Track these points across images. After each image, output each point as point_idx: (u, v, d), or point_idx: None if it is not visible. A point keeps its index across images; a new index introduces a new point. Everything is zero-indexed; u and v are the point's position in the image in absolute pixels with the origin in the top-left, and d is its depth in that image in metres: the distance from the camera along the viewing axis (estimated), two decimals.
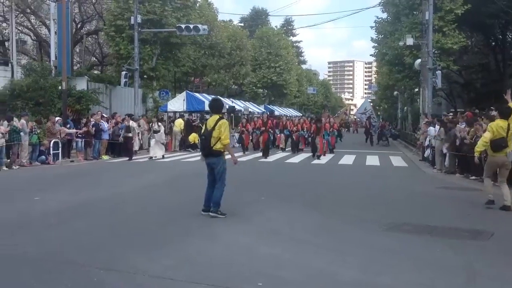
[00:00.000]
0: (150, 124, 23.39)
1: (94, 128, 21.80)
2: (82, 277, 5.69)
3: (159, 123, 23.20)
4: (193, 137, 27.02)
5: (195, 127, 28.42)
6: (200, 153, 9.53)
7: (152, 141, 22.52)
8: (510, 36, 34.84)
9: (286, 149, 27.66)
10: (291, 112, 56.89)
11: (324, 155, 23.53)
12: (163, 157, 22.20)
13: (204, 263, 6.22)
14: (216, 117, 9.01)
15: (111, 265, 6.09)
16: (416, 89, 38.30)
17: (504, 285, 5.70)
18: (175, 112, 30.18)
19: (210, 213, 8.84)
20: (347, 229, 8.32)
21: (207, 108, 28.90)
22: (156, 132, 22.39)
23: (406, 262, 6.36)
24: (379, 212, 9.85)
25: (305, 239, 7.59)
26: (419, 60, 28.22)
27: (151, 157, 21.93)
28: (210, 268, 6.02)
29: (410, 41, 27.22)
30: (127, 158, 21.45)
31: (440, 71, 25.48)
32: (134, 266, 6.04)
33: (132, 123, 22.78)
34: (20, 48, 33.77)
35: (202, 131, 9.17)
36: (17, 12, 31.17)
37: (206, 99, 30.49)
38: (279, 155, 24.52)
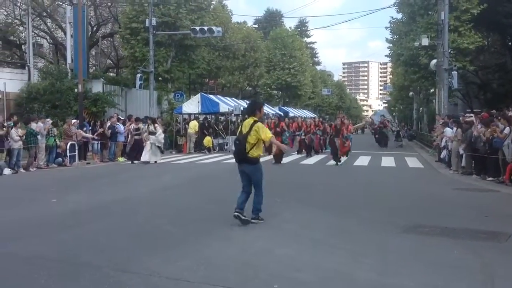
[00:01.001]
0: (147, 125, 21.55)
1: (110, 131, 21.96)
2: (98, 278, 5.72)
3: (156, 125, 21.52)
4: (208, 141, 27.10)
5: (209, 130, 28.53)
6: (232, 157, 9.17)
7: (148, 145, 20.79)
8: None
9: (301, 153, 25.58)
10: (306, 113, 56.76)
11: (347, 155, 22.97)
12: (155, 162, 20.54)
13: (220, 265, 6.22)
14: (251, 120, 8.42)
15: (127, 266, 6.12)
16: (432, 90, 38.09)
17: None
18: (189, 114, 30.28)
19: (252, 220, 8.41)
20: (363, 230, 8.28)
21: (221, 109, 29.11)
22: (152, 134, 20.88)
23: (422, 264, 6.31)
24: (395, 213, 9.79)
25: (321, 240, 7.57)
26: (434, 61, 28.04)
27: (148, 162, 20.45)
28: (226, 269, 6.03)
29: (425, 41, 27.07)
30: (132, 161, 21.17)
31: (456, 72, 25.26)
32: (150, 267, 6.07)
33: (140, 125, 22.29)
34: (36, 51, 34.02)
35: (238, 133, 8.68)
36: (34, 16, 31.44)
37: (220, 101, 30.59)
38: (293, 156, 24.38)
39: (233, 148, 8.74)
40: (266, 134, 8.38)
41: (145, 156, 20.58)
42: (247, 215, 8.44)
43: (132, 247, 7.12)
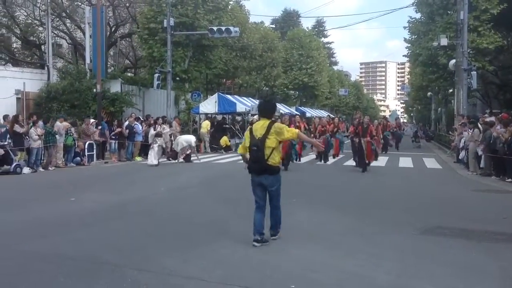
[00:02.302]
0: (155, 126, 20.73)
1: (127, 130, 22.10)
2: (117, 277, 5.78)
3: (164, 125, 21.06)
4: (224, 141, 27.14)
5: (226, 129, 28.59)
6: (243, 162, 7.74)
7: (155, 146, 19.89)
8: None
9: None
10: (323, 113, 56.68)
11: (376, 159, 20.33)
12: (158, 164, 19.67)
13: (236, 265, 6.24)
14: (266, 122, 7.24)
15: (145, 265, 6.17)
16: (451, 90, 37.75)
17: None
18: (206, 114, 30.37)
19: (272, 238, 7.40)
20: (381, 231, 8.23)
21: (238, 109, 29.11)
22: (159, 136, 20.11)
23: (441, 266, 6.26)
24: (413, 215, 9.73)
25: (338, 241, 7.56)
26: (453, 61, 27.81)
27: (156, 164, 19.62)
28: (243, 269, 6.05)
29: (444, 41, 26.86)
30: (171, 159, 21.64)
31: (475, 72, 25.02)
32: (168, 267, 6.11)
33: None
34: (56, 52, 34.36)
35: (249, 139, 7.29)
36: (53, 16, 31.75)
37: (237, 100, 30.60)
38: (310, 156, 24.23)
39: (247, 157, 7.44)
40: (292, 131, 7.45)
41: (153, 159, 19.73)
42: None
43: (149, 246, 7.17)
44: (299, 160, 20.88)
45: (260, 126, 7.27)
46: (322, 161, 21.45)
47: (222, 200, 11.39)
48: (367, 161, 17.99)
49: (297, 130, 7.76)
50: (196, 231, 8.15)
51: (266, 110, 7.48)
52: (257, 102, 33.32)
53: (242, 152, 7.60)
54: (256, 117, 17.12)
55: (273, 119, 7.53)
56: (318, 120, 24.15)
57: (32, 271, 6.01)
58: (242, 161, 7.92)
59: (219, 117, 33.42)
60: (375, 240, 7.67)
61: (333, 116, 40.89)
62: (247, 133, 7.48)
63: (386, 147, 27.57)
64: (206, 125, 27.48)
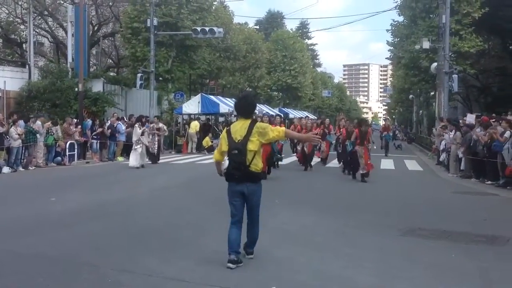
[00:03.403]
0: (142, 124, 19.33)
1: (109, 130, 21.95)
2: (97, 278, 5.73)
3: (160, 123, 20.47)
4: (206, 141, 27.08)
5: (210, 130, 28.53)
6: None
7: (138, 148, 18.67)
8: None
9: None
10: (306, 115, 56.85)
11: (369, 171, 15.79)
12: (143, 166, 18.64)
13: (218, 266, 6.21)
14: (247, 122, 6.22)
15: (126, 266, 6.13)
16: (432, 93, 38.11)
17: None
18: (189, 115, 30.27)
19: (247, 256, 6.52)
20: (362, 233, 8.27)
21: (222, 110, 29.06)
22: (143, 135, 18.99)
23: (422, 268, 6.31)
24: (394, 216, 9.80)
25: (320, 242, 7.57)
26: (435, 64, 28.06)
27: (141, 166, 18.58)
28: (225, 270, 6.02)
29: (426, 44, 27.08)
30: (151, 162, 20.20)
31: (456, 75, 25.26)
32: (149, 267, 6.07)
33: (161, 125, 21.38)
34: (37, 50, 34.09)
35: (226, 143, 6.23)
36: (35, 15, 31.48)
37: (221, 101, 30.58)
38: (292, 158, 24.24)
39: (223, 167, 6.52)
40: (278, 129, 6.40)
41: (135, 160, 18.55)
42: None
43: (130, 247, 7.12)
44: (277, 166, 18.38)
45: (239, 127, 6.20)
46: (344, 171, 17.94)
47: (204, 201, 11.36)
48: (365, 171, 15.43)
49: (283, 128, 6.60)
50: (177, 232, 8.11)
51: (245, 108, 6.41)
52: None
53: (218, 159, 6.53)
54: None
55: (254, 117, 6.57)
56: (297, 121, 23.57)
57: (10, 271, 5.92)
58: (224, 162, 7.01)
59: (202, 117, 33.39)
60: (357, 241, 7.70)
61: (313, 118, 40.62)
62: (223, 135, 6.36)
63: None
64: (194, 125, 27.41)
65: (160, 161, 20.76)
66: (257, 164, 6.19)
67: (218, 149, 6.49)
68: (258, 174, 6.27)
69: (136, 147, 18.73)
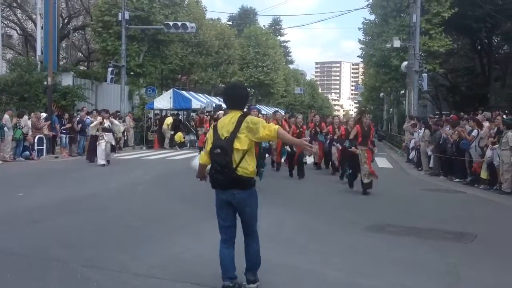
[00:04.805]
0: (100, 120, 17.81)
1: (79, 125, 21.67)
2: (66, 274, 5.66)
3: (112, 119, 18.78)
4: (179, 137, 26.96)
5: (181, 126, 28.39)
6: (193, 156, 5.90)
7: (102, 144, 17.33)
8: (496, 40, 35.24)
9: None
10: (280, 112, 56.96)
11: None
12: (108, 163, 17.47)
13: (189, 262, 6.20)
14: (236, 115, 5.15)
15: (95, 262, 6.06)
16: (402, 91, 38.59)
17: (486, 287, 5.75)
18: (161, 110, 30.07)
19: (249, 286, 5.21)
20: (331, 230, 8.34)
21: (194, 106, 28.88)
22: (106, 131, 17.66)
23: (390, 264, 6.39)
24: (363, 213, 9.89)
25: (290, 239, 7.60)
26: (405, 63, 28.40)
27: (103, 164, 17.23)
28: (196, 267, 6.00)
29: (397, 43, 27.37)
30: (88, 160, 18.36)
31: (426, 74, 25.68)
32: (119, 263, 6.02)
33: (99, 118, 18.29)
34: (5, 42, 33.44)
35: (211, 140, 5.19)
36: (3, 6, 30.87)
37: (193, 97, 30.41)
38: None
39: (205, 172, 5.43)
40: (270, 127, 5.06)
41: (101, 158, 17.33)
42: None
43: (100, 243, 7.05)
44: (278, 169, 16.69)
45: (227, 121, 5.16)
46: (335, 173, 16.08)
47: (175, 196, 11.31)
48: (369, 180, 12.22)
49: (276, 127, 5.11)
50: (148, 228, 8.05)
51: (236, 98, 5.32)
52: (212, 99, 33.21)
53: (202, 161, 5.41)
54: (221, 112, 14.47)
55: (243, 111, 5.32)
56: (272, 116, 19.28)
57: None
58: (197, 158, 6.22)
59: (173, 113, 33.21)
60: (327, 238, 7.75)
61: (283, 112, 40.46)
62: (210, 132, 5.33)
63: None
64: (169, 121, 27.23)
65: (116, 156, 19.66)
66: (247, 167, 5.01)
67: (205, 149, 5.43)
68: (248, 179, 5.06)
69: (99, 142, 17.42)
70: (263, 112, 42.16)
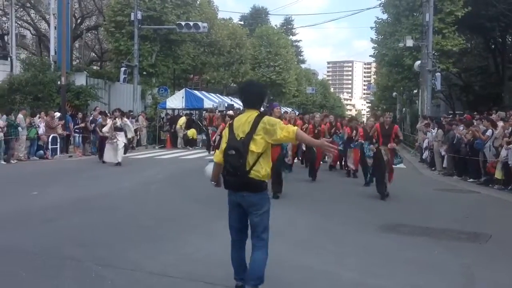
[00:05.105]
0: (114, 120, 17.56)
1: (93, 125, 21.78)
2: (80, 272, 5.70)
3: (125, 118, 18.19)
4: (192, 133, 26.97)
5: (194, 125, 28.43)
6: (207, 157, 5.70)
7: (116, 143, 17.10)
8: (510, 39, 34.92)
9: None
10: (285, 110, 56.84)
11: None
12: (119, 164, 17.03)
13: (202, 261, 6.21)
14: (253, 114, 4.90)
15: (109, 261, 6.10)
16: (415, 91, 38.34)
17: None
18: (173, 109, 30.15)
19: None
20: (346, 230, 8.31)
21: (206, 105, 28.91)
22: (119, 130, 17.35)
23: (403, 264, 6.36)
24: (377, 213, 9.86)
25: (304, 239, 7.59)
26: (418, 62, 28.22)
27: (103, 161, 17.52)
28: (209, 266, 6.02)
29: (410, 42, 27.22)
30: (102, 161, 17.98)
31: (439, 73, 25.50)
32: (133, 262, 6.05)
33: (109, 121, 18.14)
34: (19, 42, 33.70)
35: (226, 139, 4.96)
36: (17, 6, 31.12)
37: (205, 96, 30.46)
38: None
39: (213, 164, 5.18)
40: (288, 129, 4.79)
41: (112, 156, 17.23)
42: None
43: (114, 241, 7.08)
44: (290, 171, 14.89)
45: (244, 120, 4.91)
46: (350, 175, 15.76)
47: (188, 196, 11.34)
48: (386, 184, 11.44)
49: (295, 128, 4.85)
50: (161, 227, 8.08)
51: (253, 96, 5.06)
52: (224, 98, 33.23)
53: (217, 160, 5.05)
54: (231, 112, 14.19)
55: (262, 110, 5.13)
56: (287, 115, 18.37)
57: None
58: (209, 157, 6.13)
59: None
60: (340, 238, 7.74)
61: (295, 112, 40.37)
62: (225, 131, 5.07)
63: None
64: (182, 121, 27.28)
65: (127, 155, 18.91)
66: (260, 171, 4.78)
67: (220, 149, 5.06)
68: (260, 183, 4.82)
69: (110, 141, 17.20)
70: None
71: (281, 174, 11.05)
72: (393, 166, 11.72)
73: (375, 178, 11.99)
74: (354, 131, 15.31)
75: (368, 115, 45.01)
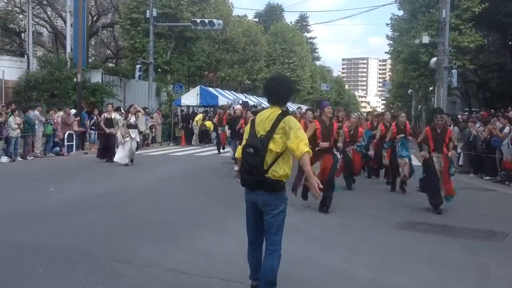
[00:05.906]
0: (127, 116, 16.64)
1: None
2: (96, 268, 5.73)
3: (139, 114, 16.69)
4: (209, 124, 26.89)
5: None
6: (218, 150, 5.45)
7: (127, 141, 16.12)
8: None
9: None
10: (304, 109, 56.72)
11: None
12: (132, 162, 16.38)
13: (217, 258, 6.22)
14: (276, 112, 4.71)
15: (124, 257, 6.13)
16: (431, 88, 38.06)
17: None
18: (188, 106, 30.23)
19: None
20: (361, 227, 8.28)
21: (220, 102, 28.92)
22: (132, 127, 16.30)
23: (419, 262, 6.33)
24: (392, 210, 9.81)
25: (319, 236, 7.58)
26: (434, 59, 28.02)
27: (130, 162, 16.32)
28: (224, 263, 6.03)
29: (426, 39, 27.04)
30: (104, 159, 17.43)
31: (455, 70, 25.28)
32: (148, 259, 6.07)
33: (116, 115, 17.74)
34: (36, 40, 33.95)
35: (246, 135, 4.86)
36: (34, 4, 31.37)
37: (219, 94, 30.50)
38: None
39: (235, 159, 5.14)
40: (299, 144, 4.54)
41: (122, 156, 16.29)
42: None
43: (129, 238, 7.12)
44: None
45: (265, 117, 4.73)
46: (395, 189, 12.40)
47: (203, 193, 11.36)
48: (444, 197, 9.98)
49: (306, 150, 4.54)
50: (175, 224, 8.11)
51: (278, 91, 4.80)
52: (239, 95, 33.21)
53: (238, 156, 4.96)
54: (238, 107, 13.76)
55: (283, 109, 4.81)
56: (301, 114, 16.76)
57: (9, 262, 5.93)
58: (223, 154, 5.90)
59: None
60: (356, 235, 7.71)
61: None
62: (247, 128, 4.96)
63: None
64: (198, 118, 27.34)
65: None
66: (278, 171, 4.59)
67: (242, 145, 4.88)
68: (278, 182, 4.62)
69: (123, 141, 16.25)
70: (290, 109, 42.05)
71: (333, 188, 9.50)
72: (450, 176, 10.22)
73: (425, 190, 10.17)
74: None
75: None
